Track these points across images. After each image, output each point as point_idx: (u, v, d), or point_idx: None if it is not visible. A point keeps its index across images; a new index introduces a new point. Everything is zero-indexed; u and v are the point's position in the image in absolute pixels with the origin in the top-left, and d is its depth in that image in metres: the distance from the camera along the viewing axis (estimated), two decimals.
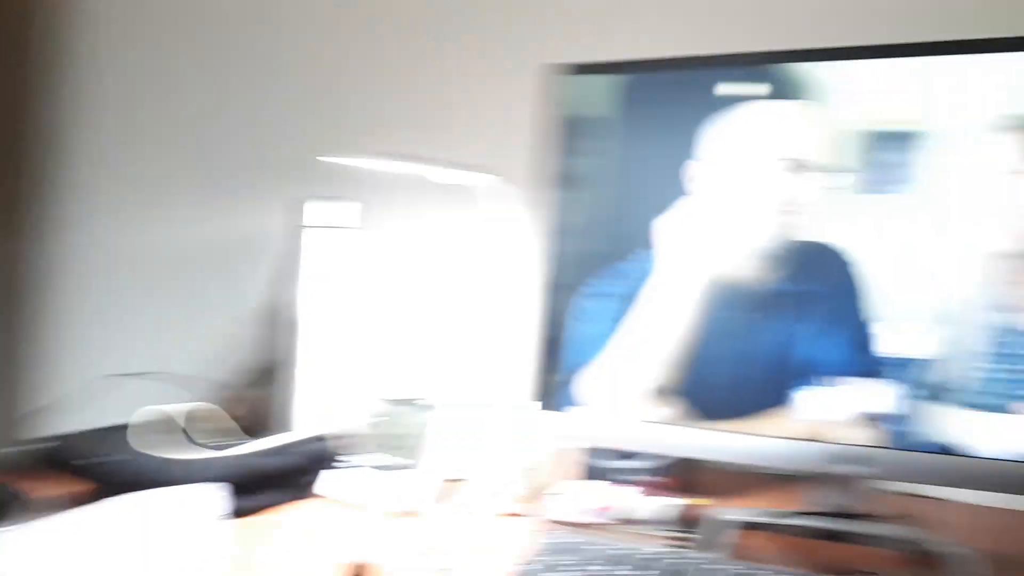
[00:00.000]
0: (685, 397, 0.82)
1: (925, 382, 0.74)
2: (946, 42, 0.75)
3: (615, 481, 0.91)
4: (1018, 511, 0.91)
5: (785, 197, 0.78)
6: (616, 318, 0.84)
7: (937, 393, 0.74)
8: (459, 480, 0.90)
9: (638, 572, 0.68)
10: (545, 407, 0.88)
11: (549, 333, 0.88)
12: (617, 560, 0.69)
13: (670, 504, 0.85)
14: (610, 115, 0.86)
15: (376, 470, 0.90)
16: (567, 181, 0.88)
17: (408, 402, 0.97)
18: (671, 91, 0.84)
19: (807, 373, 0.78)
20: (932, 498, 0.93)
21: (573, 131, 0.88)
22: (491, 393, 1.09)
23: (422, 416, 0.95)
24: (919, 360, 0.74)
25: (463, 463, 0.95)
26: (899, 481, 0.81)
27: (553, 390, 0.87)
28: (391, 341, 1.18)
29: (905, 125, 0.75)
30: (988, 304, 0.72)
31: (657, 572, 0.68)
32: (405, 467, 0.90)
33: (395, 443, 0.93)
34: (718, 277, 0.81)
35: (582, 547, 0.72)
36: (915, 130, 0.75)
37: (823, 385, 0.77)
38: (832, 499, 0.81)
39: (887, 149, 0.76)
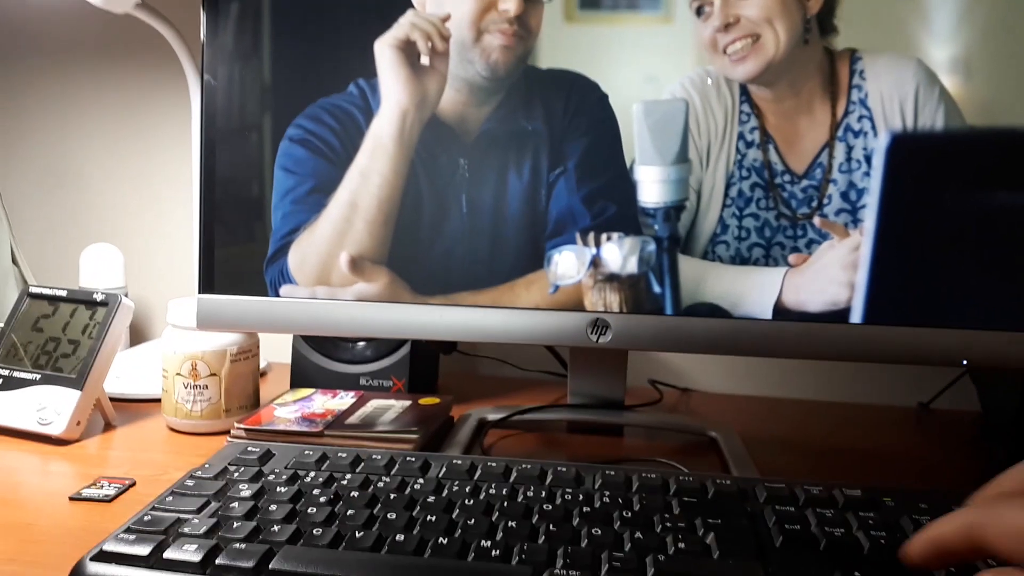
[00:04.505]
0: (410, 266, 0.69)
1: (683, 235, 0.66)
2: None
3: (328, 385, 0.85)
4: (766, 397, 1.00)
5: (503, 10, 0.65)
6: (328, 169, 0.68)
7: (698, 247, 0.67)
8: (138, 400, 0.85)
9: (372, 476, 0.57)
10: (232, 290, 0.71)
11: (231, 192, 0.71)
12: (340, 466, 0.59)
13: (401, 404, 0.77)
14: None
15: (29, 385, 0.74)
16: None
17: (78, 295, 0.78)
18: None
19: (554, 230, 0.67)
20: (689, 390, 1.01)
21: None
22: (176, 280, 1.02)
23: (97, 314, 0.76)
24: (676, 208, 0.65)
25: (141, 375, 0.88)
26: (666, 351, 0.70)
27: (244, 268, 0.71)
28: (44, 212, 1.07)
29: None
30: (739, 137, 0.66)
31: (398, 478, 0.56)
32: (68, 382, 0.74)
33: (58, 350, 0.76)
34: (443, 115, 0.68)
35: (296, 456, 0.60)
36: None
37: (572, 244, 0.67)
38: (590, 390, 0.80)
39: None
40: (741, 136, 0.66)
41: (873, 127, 0.64)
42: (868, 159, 0.64)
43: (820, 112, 0.65)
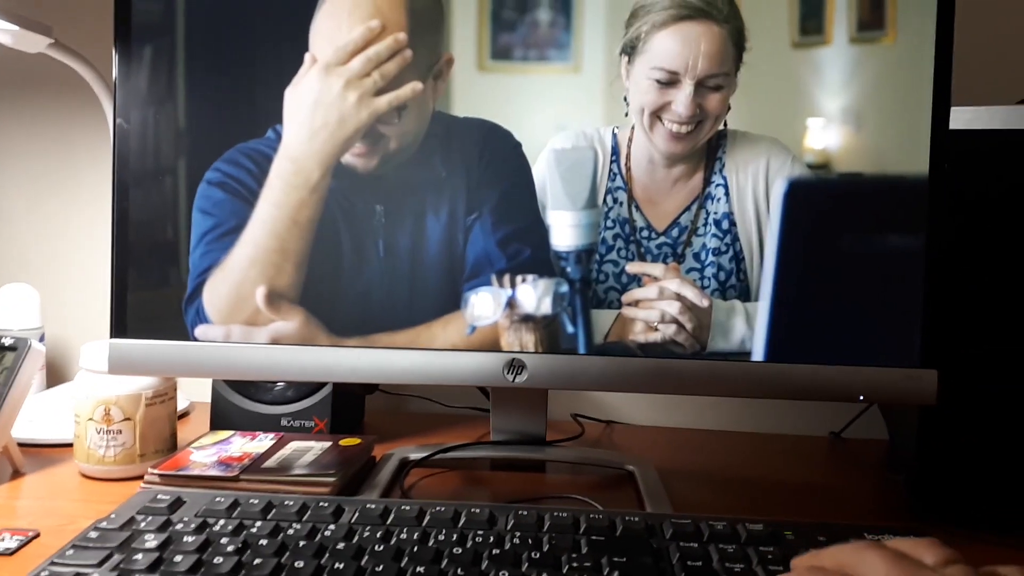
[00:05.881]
0: (326, 308, 0.70)
1: (590, 279, 0.69)
2: None
3: (249, 426, 0.86)
4: (687, 429, 1.03)
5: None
6: (247, 211, 0.69)
7: (598, 291, 0.69)
8: (51, 445, 0.83)
9: (283, 523, 0.56)
10: (146, 334, 0.71)
11: (145, 235, 0.70)
12: (250, 513, 0.58)
13: (321, 446, 0.77)
14: None
15: None
16: (163, 36, 0.70)
17: None
18: None
19: (471, 272, 0.69)
20: (613, 422, 1.04)
21: None
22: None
23: (5, 359, 0.74)
24: (587, 252, 0.68)
25: (54, 418, 0.87)
26: (580, 389, 0.76)
27: (158, 311, 0.70)
28: None
29: None
30: (615, 193, 0.69)
31: (309, 524, 0.56)
32: None
33: None
34: (355, 161, 0.69)
35: (207, 503, 0.59)
36: None
37: (489, 285, 0.69)
38: (512, 426, 0.82)
39: (532, 6, 0.68)
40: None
41: (727, 194, 0.68)
42: (717, 223, 0.68)
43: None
